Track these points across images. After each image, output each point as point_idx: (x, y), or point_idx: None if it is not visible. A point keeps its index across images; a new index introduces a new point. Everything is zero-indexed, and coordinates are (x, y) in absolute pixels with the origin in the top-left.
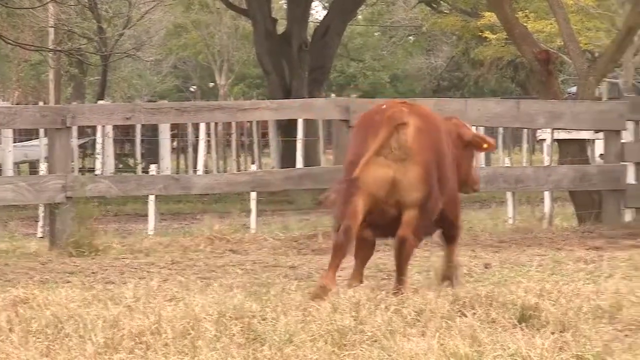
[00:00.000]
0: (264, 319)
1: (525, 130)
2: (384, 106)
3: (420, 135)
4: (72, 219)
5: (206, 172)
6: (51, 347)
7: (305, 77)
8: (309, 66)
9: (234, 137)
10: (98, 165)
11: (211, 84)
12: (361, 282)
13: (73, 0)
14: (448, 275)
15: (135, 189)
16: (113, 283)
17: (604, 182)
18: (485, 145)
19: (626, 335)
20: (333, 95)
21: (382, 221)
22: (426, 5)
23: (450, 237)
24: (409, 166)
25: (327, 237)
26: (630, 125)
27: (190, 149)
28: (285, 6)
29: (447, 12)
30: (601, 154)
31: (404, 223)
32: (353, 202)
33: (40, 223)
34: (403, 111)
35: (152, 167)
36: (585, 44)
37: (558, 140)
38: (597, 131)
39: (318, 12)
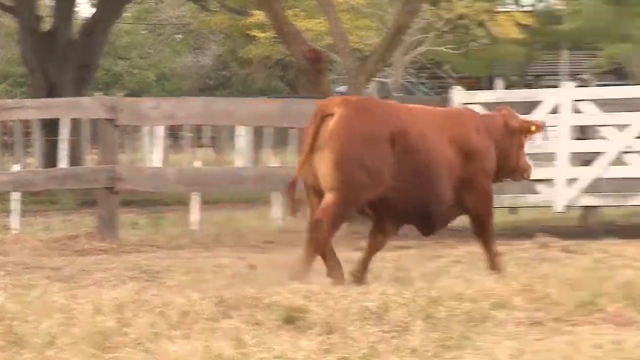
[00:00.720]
0: (25, 322)
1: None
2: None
3: (344, 123)
4: None
5: None
6: None
7: (70, 75)
8: (75, 64)
9: None
10: None
11: None
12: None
13: None
14: (494, 267)
15: None
16: None
17: None
18: (533, 128)
19: (393, 337)
20: (99, 94)
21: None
22: (194, 3)
23: (478, 234)
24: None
25: (90, 237)
26: None
27: None
28: (50, 3)
29: (216, 10)
30: None
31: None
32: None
33: None
34: (332, 102)
35: None
36: (356, 42)
37: None
38: None
39: (85, 9)
